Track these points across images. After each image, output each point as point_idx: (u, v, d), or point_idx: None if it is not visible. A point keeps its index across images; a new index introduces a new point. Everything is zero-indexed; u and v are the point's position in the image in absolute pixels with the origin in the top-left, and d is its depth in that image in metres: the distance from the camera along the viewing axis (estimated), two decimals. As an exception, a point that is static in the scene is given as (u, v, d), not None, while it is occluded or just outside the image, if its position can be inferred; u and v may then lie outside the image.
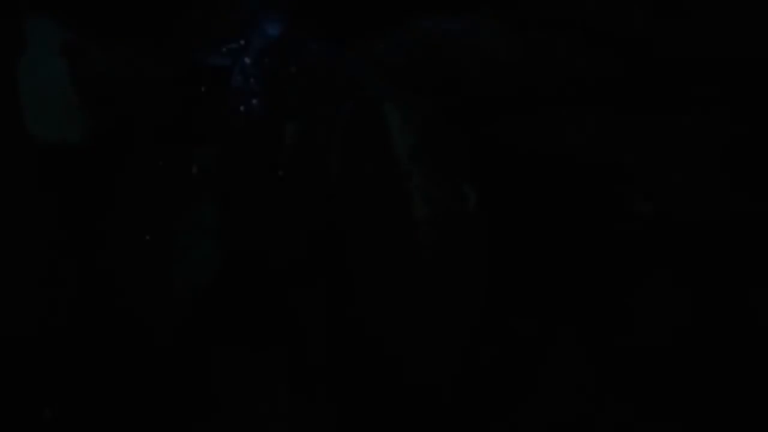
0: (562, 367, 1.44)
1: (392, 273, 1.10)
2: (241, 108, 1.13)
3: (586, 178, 1.68)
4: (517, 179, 1.63)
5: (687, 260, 1.62)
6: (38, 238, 1.51)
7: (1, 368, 1.45)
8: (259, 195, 1.15)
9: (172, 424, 1.38)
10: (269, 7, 1.22)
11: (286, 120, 1.16)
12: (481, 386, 1.45)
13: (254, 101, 1.14)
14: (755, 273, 1.50)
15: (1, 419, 1.43)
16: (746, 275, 1.51)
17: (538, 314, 1.51)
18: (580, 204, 1.63)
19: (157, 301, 1.28)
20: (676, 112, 1.78)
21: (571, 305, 1.57)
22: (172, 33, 1.19)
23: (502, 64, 1.17)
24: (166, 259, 1.28)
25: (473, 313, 1.11)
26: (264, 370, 1.41)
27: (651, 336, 1.54)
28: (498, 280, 1.58)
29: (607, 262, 1.56)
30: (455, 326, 1.09)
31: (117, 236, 1.28)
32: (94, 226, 1.34)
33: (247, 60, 1.15)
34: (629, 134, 1.65)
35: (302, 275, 1.21)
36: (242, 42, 1.18)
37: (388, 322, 1.09)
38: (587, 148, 1.64)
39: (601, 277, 1.57)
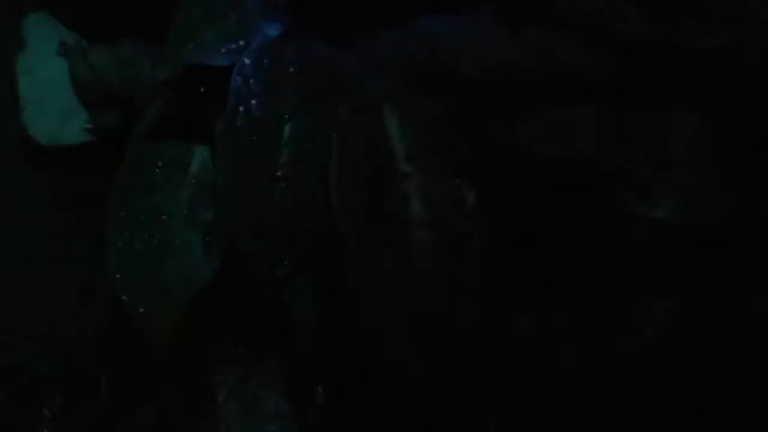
0: (562, 365, 1.44)
1: (391, 274, 1.10)
2: (240, 108, 1.13)
3: (585, 179, 1.68)
4: (517, 179, 1.63)
5: (687, 262, 1.61)
6: (36, 237, 1.51)
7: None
8: (257, 195, 1.15)
9: (170, 423, 1.38)
10: (268, 7, 1.22)
11: (285, 120, 1.16)
12: (480, 385, 1.45)
13: (253, 102, 1.14)
14: (756, 276, 1.50)
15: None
16: (747, 278, 1.51)
17: (538, 313, 1.51)
18: (579, 205, 1.63)
19: (155, 300, 1.28)
20: (676, 112, 1.78)
21: (572, 305, 1.57)
22: (170, 33, 1.19)
23: (502, 63, 1.17)
24: (164, 259, 1.28)
25: (473, 313, 1.11)
26: (262, 369, 1.41)
27: (651, 336, 1.54)
28: (498, 280, 1.58)
29: (607, 263, 1.56)
30: (455, 327, 1.09)
31: (115, 237, 1.28)
32: (94, 226, 1.34)
33: (246, 60, 1.15)
34: (629, 135, 1.65)
35: (300, 276, 1.21)
36: (241, 42, 1.18)
37: (386, 323, 1.09)
38: (587, 148, 1.63)
39: (601, 278, 1.57)
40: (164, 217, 1.28)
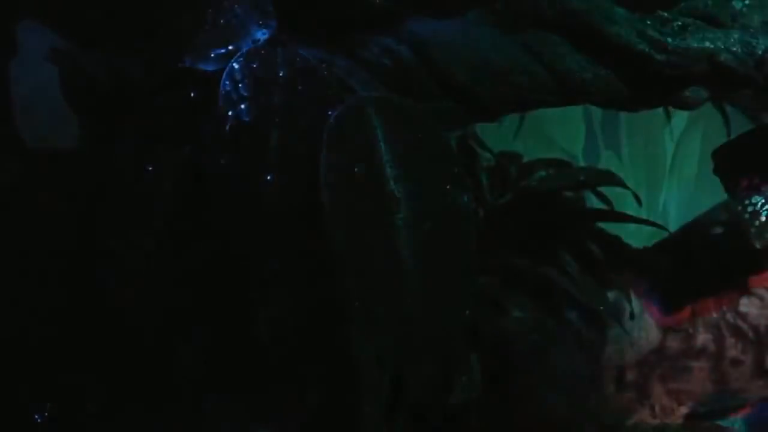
0: (554, 360, 1.45)
1: (379, 274, 1.10)
2: (230, 113, 1.13)
3: (575, 181, 1.68)
4: (506, 182, 1.63)
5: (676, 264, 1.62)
6: (31, 239, 1.51)
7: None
8: (247, 199, 1.16)
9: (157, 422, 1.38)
10: (257, 11, 1.22)
11: (274, 125, 1.16)
12: (473, 381, 1.45)
13: (242, 106, 1.14)
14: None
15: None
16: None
17: (530, 314, 1.52)
18: (569, 205, 1.64)
19: (145, 301, 1.28)
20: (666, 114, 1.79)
21: (563, 305, 1.57)
22: (161, 39, 1.20)
23: (493, 66, 1.17)
24: (154, 262, 1.28)
25: (464, 315, 1.12)
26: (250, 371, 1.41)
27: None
28: (488, 280, 1.58)
29: (597, 265, 1.56)
30: (442, 328, 1.10)
31: (106, 238, 1.29)
32: (84, 229, 1.34)
33: (236, 65, 1.15)
34: (617, 137, 1.67)
35: (290, 277, 1.21)
36: (230, 47, 1.18)
37: (375, 324, 1.09)
38: (575, 150, 1.65)
39: (593, 279, 1.57)
40: (154, 220, 1.28)
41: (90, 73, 1.36)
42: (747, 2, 1.10)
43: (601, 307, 1.54)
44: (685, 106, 1.20)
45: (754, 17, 1.09)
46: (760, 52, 1.08)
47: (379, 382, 1.32)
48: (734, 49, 1.09)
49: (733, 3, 1.11)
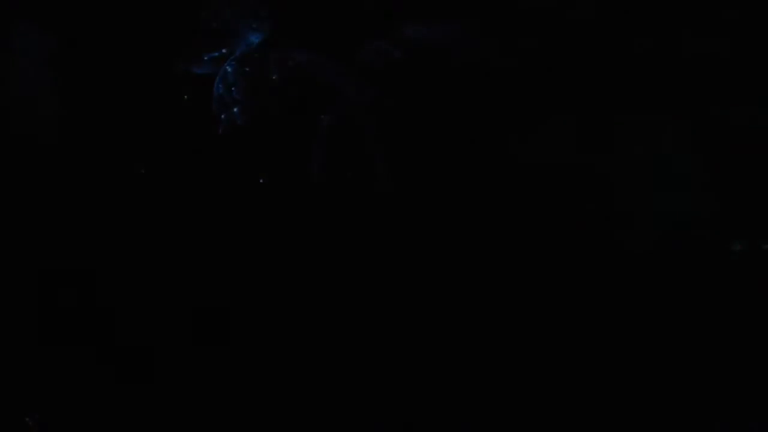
0: (556, 365, 1.45)
1: (376, 277, 1.11)
2: (223, 116, 1.14)
3: (570, 183, 1.68)
4: (501, 184, 1.63)
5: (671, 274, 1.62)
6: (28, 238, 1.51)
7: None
8: (242, 201, 1.16)
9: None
10: (252, 15, 1.23)
11: (267, 128, 1.16)
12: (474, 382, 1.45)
13: (235, 109, 1.15)
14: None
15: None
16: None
17: (529, 313, 1.52)
18: (565, 207, 1.63)
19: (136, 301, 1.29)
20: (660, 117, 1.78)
21: (562, 306, 1.57)
22: (156, 41, 1.20)
23: (489, 69, 1.18)
24: (148, 264, 1.29)
25: (451, 316, 1.12)
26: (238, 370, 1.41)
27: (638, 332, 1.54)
28: (488, 283, 1.58)
29: (594, 265, 1.56)
30: (431, 328, 1.10)
31: (99, 238, 1.29)
32: (75, 226, 1.34)
33: (229, 69, 1.16)
34: (611, 139, 1.65)
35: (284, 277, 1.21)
36: (224, 50, 1.18)
37: (369, 321, 1.10)
38: (570, 152, 1.64)
39: (587, 278, 1.57)
40: (147, 221, 1.29)
41: (87, 76, 1.37)
42: (735, 9, 1.11)
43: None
44: (679, 110, 1.20)
45: (740, 23, 1.10)
46: (750, 57, 1.08)
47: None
48: (726, 53, 1.10)
49: (726, 10, 1.11)
